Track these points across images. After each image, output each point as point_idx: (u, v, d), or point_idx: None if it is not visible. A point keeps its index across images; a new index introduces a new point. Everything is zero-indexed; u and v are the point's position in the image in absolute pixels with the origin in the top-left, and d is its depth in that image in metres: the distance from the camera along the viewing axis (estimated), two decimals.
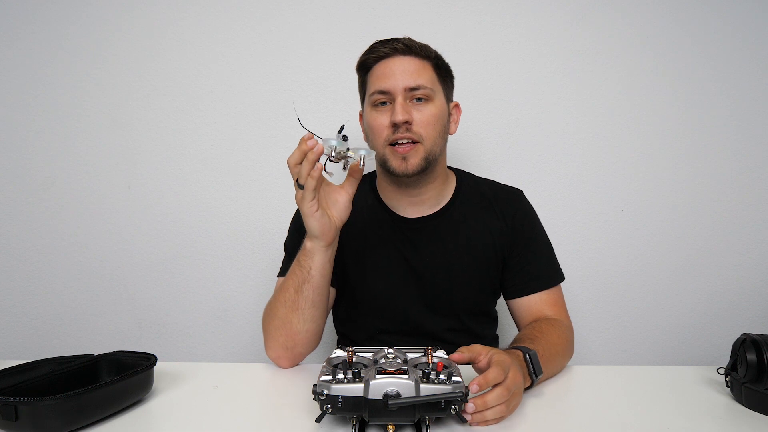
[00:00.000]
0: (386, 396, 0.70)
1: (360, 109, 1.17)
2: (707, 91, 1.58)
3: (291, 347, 1.03)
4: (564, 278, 1.18)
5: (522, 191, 1.23)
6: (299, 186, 0.90)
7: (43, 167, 1.52)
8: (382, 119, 1.06)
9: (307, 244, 0.98)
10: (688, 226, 1.60)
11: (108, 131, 1.53)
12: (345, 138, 0.88)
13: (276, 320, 1.02)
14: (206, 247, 1.56)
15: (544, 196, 1.56)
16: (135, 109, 1.53)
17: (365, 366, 0.78)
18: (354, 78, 1.15)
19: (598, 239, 1.60)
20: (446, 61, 1.13)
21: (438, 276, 1.13)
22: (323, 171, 0.88)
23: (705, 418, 0.84)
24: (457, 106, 1.17)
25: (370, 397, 0.70)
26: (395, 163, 1.05)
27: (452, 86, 1.16)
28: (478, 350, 0.83)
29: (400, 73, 1.05)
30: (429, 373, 0.72)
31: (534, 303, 1.14)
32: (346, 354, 0.79)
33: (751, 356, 0.87)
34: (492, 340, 1.25)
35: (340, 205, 0.96)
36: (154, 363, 0.89)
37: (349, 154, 0.88)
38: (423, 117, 1.05)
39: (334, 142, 0.87)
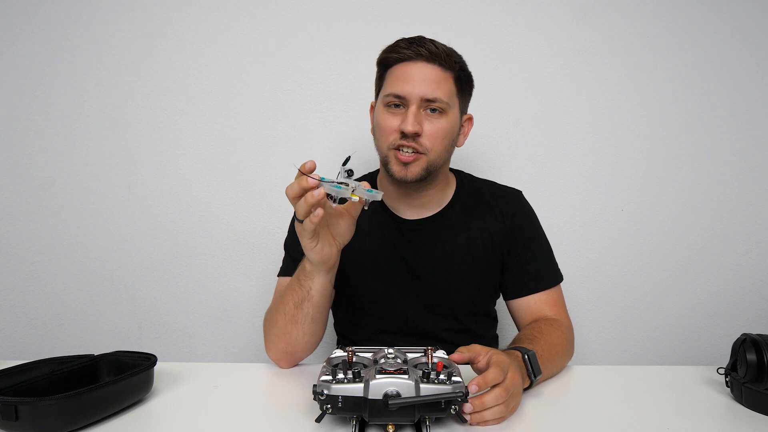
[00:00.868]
0: (386, 396, 0.70)
1: (373, 100, 1.15)
2: (707, 91, 1.58)
3: (290, 353, 1.03)
4: (563, 278, 1.18)
5: (521, 192, 1.23)
6: (299, 220, 0.85)
7: (43, 167, 1.52)
8: (392, 122, 1.04)
9: (307, 266, 0.95)
10: (688, 226, 1.60)
11: (108, 131, 1.53)
12: (350, 173, 0.83)
13: (276, 328, 1.02)
14: (206, 247, 1.56)
15: (544, 196, 1.56)
16: (135, 109, 1.53)
17: (365, 366, 0.78)
18: (354, 76, 1.15)
19: (598, 239, 1.60)
20: (469, 71, 1.10)
21: (437, 277, 1.13)
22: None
23: (705, 418, 0.84)
24: (470, 119, 1.16)
25: (370, 397, 0.70)
26: (396, 168, 1.05)
27: (470, 97, 1.14)
28: (477, 350, 0.83)
29: (419, 80, 1.02)
30: (429, 373, 0.73)
31: (533, 303, 1.14)
32: (346, 354, 0.79)
33: (751, 356, 0.87)
34: (492, 340, 1.25)
35: (342, 229, 0.92)
36: (154, 363, 0.89)
37: (353, 198, 0.82)
38: (433, 130, 1.03)
39: (336, 187, 0.80)
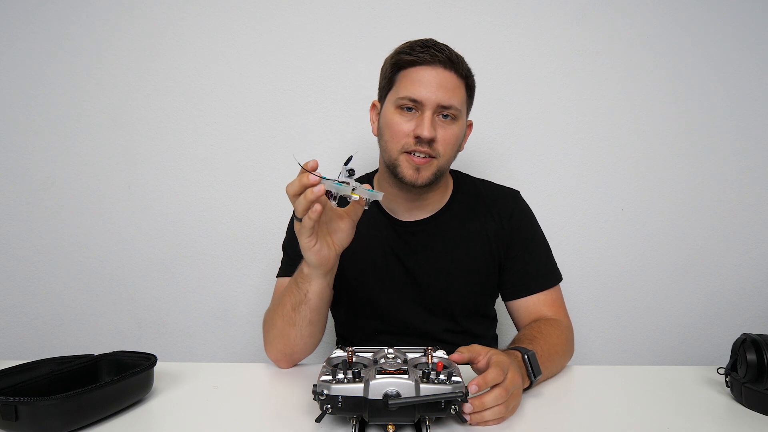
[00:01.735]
0: (386, 396, 0.70)
1: (375, 100, 1.14)
2: (707, 91, 1.58)
3: (289, 353, 1.04)
4: (562, 278, 1.18)
5: (519, 192, 1.23)
6: (297, 219, 0.85)
7: (43, 167, 1.52)
8: (405, 126, 1.03)
9: (305, 269, 0.94)
10: (688, 226, 1.60)
11: (108, 131, 1.53)
12: (351, 172, 0.83)
13: (274, 330, 1.02)
14: (206, 247, 1.56)
15: (543, 196, 1.56)
16: (135, 109, 1.53)
17: (365, 366, 0.78)
18: (354, 76, 1.15)
19: (598, 239, 1.60)
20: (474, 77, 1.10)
21: (435, 278, 1.13)
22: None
23: (705, 418, 0.84)
24: (470, 125, 1.16)
25: (370, 397, 0.70)
26: (408, 173, 1.04)
27: (472, 104, 1.14)
28: (477, 350, 0.83)
29: (437, 86, 1.01)
30: (429, 373, 0.73)
31: (533, 304, 1.14)
32: (346, 354, 0.79)
33: (751, 356, 0.87)
34: (491, 340, 1.25)
35: (342, 232, 0.91)
36: (154, 363, 0.89)
37: (353, 197, 0.81)
38: (446, 136, 1.04)
39: (337, 184, 0.80)
